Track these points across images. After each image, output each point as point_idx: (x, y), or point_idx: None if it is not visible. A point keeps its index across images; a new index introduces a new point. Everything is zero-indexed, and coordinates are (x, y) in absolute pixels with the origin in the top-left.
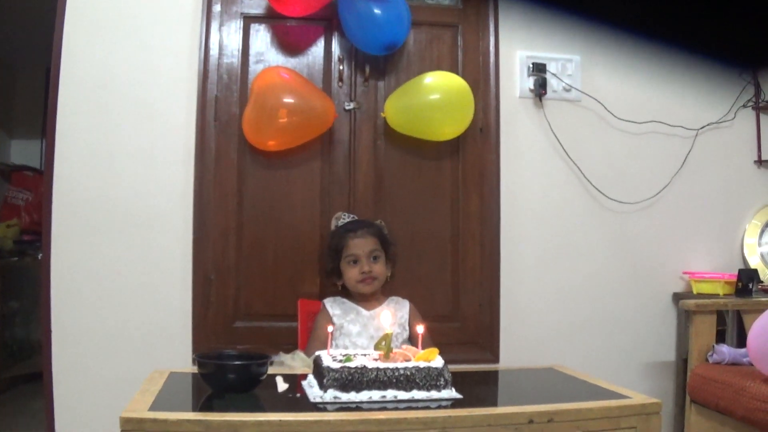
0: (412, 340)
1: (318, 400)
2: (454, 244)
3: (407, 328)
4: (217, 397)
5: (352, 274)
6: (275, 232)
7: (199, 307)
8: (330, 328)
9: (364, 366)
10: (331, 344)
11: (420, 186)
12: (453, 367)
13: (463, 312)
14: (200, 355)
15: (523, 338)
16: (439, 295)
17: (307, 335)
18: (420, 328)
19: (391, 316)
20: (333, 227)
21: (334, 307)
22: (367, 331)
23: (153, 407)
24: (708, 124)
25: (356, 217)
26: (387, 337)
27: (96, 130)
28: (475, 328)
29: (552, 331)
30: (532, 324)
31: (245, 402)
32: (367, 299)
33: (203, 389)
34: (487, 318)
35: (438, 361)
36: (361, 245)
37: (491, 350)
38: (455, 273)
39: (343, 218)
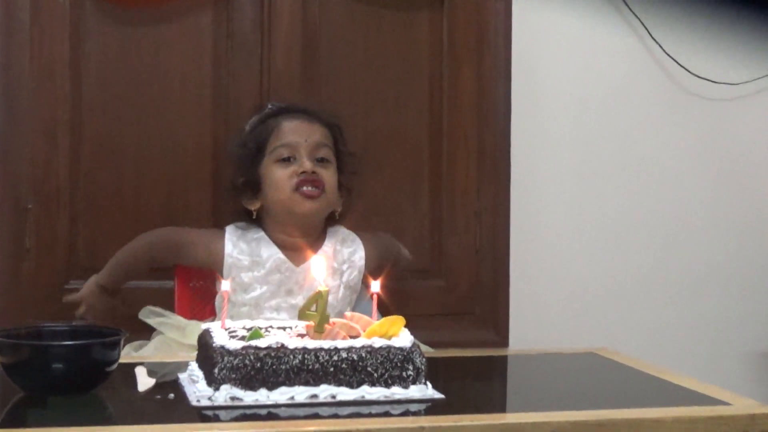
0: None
1: (205, 403)
2: (435, 150)
3: (358, 285)
4: (33, 404)
5: (281, 177)
6: (136, 132)
7: (7, 257)
8: (225, 285)
9: (282, 346)
10: (227, 312)
11: (379, 55)
12: (431, 352)
13: (448, 262)
14: (4, 333)
15: (546, 305)
16: (409, 234)
17: (189, 303)
18: (374, 286)
19: (330, 269)
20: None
21: (237, 241)
22: (286, 290)
23: None
24: None
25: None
26: (320, 299)
27: None
28: (469, 288)
29: (593, 297)
30: (560, 284)
31: (81, 411)
32: (294, 238)
33: (10, 391)
34: (489, 272)
35: (404, 338)
36: (301, 130)
37: (495, 325)
38: (436, 198)
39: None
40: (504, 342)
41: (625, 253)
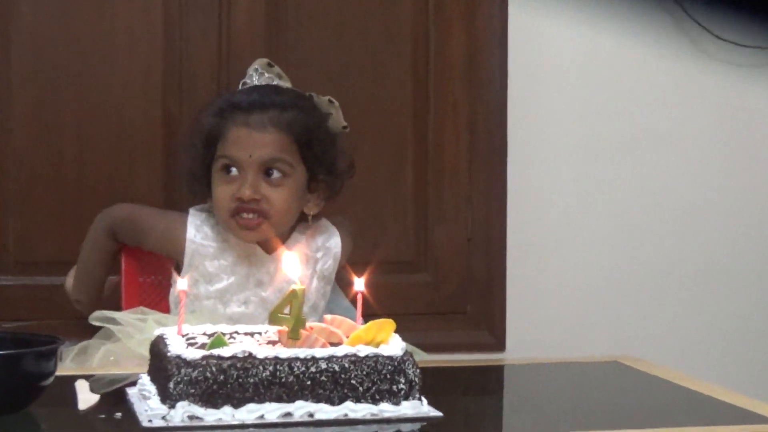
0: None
1: (158, 423)
2: (420, 126)
3: (332, 276)
4: None
5: (221, 195)
6: (75, 105)
7: None
8: (181, 283)
9: (250, 355)
10: (183, 313)
11: (355, 15)
12: (425, 359)
13: (436, 254)
14: None
15: (549, 303)
16: (390, 222)
17: (138, 300)
18: (358, 284)
19: (302, 257)
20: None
21: (201, 225)
22: (256, 281)
23: None
24: None
25: (280, 80)
26: (295, 299)
27: None
28: (460, 283)
29: (602, 293)
30: (564, 279)
31: None
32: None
33: None
34: (482, 265)
35: (394, 345)
36: (247, 143)
37: (489, 325)
38: (421, 180)
39: (256, 76)
40: (500, 345)
41: (639, 242)
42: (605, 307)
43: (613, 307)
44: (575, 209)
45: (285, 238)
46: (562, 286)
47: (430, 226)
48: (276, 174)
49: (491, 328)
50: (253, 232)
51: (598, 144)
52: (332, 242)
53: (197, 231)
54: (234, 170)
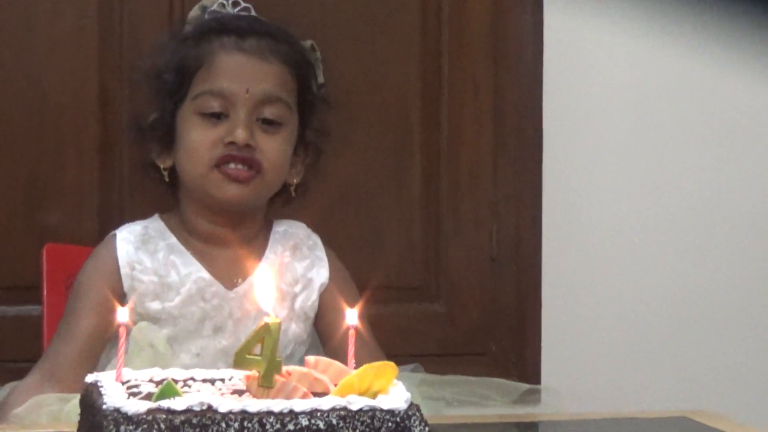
0: (329, 340)
1: None
2: (430, 110)
3: (319, 310)
4: None
5: (201, 141)
6: None
7: None
8: (121, 314)
9: (210, 408)
10: (124, 354)
11: None
12: (434, 418)
13: (451, 277)
14: None
15: (595, 341)
16: (392, 236)
17: (63, 305)
18: (351, 317)
19: (277, 275)
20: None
21: (137, 250)
22: (213, 326)
23: None
24: None
25: (250, 10)
26: (268, 336)
27: None
28: (482, 315)
29: (666, 328)
30: (614, 310)
31: None
32: (223, 229)
33: None
34: (511, 292)
35: (397, 396)
36: (245, 73)
37: (520, 369)
38: (431, 182)
39: (228, 4)
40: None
41: (708, 264)
42: (666, 348)
43: (677, 347)
44: (630, 221)
45: (254, 256)
46: (612, 319)
47: (443, 241)
48: (273, 118)
49: (522, 374)
50: (243, 187)
51: (660, 136)
52: (317, 271)
53: (131, 261)
54: (219, 113)
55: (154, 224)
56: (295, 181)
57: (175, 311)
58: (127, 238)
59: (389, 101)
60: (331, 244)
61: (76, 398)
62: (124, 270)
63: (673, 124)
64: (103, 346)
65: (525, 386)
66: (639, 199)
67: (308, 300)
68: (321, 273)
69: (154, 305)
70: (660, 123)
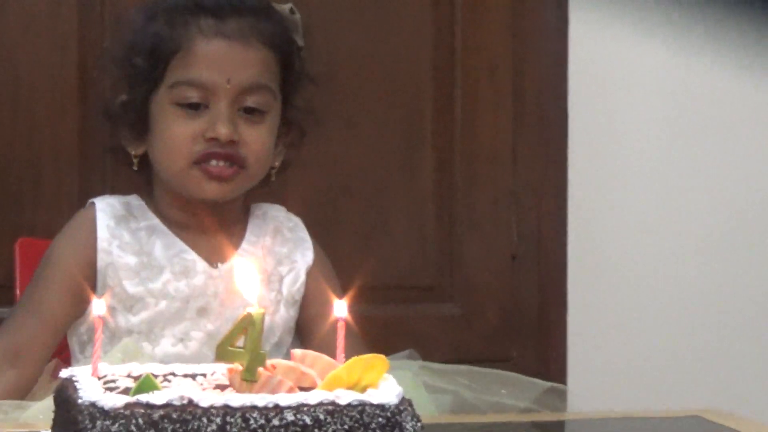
0: (313, 334)
1: None
2: (443, 91)
3: (302, 299)
4: None
5: (180, 135)
6: None
7: None
8: (97, 306)
9: (190, 402)
10: (100, 344)
11: None
12: (446, 417)
13: (467, 275)
14: None
15: (623, 346)
16: (402, 232)
17: None
18: (339, 309)
19: (261, 272)
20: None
21: (116, 226)
22: (198, 307)
23: None
24: None
25: None
26: (252, 327)
27: None
28: (502, 318)
29: (691, 330)
30: (643, 312)
31: None
32: (199, 217)
33: None
34: (532, 292)
35: (387, 390)
36: (226, 61)
37: (544, 377)
38: (445, 170)
39: None
40: (562, 402)
41: (739, 260)
42: (695, 349)
43: (706, 348)
44: (663, 212)
45: (233, 238)
46: (645, 320)
47: (458, 236)
48: (256, 106)
49: (548, 379)
50: (225, 185)
51: (695, 120)
52: (302, 254)
53: (112, 236)
54: (198, 104)
55: (136, 202)
56: (276, 164)
57: (156, 291)
58: (106, 210)
59: (397, 82)
60: (333, 239)
61: (34, 405)
62: (102, 244)
63: (709, 109)
64: (68, 326)
65: (545, 384)
66: (672, 188)
67: (295, 282)
68: (306, 254)
69: (133, 285)
70: (696, 107)
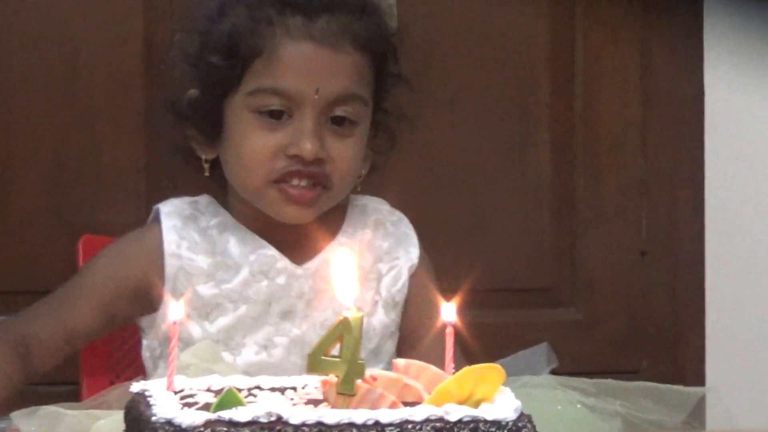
0: (415, 340)
1: None
2: (560, 64)
3: (404, 302)
4: None
5: (259, 147)
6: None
7: None
8: (174, 309)
9: (279, 420)
10: (176, 353)
11: None
12: None
13: (589, 276)
14: None
15: (766, 351)
16: (514, 228)
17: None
18: (448, 312)
19: (357, 254)
20: None
21: (183, 227)
22: (281, 311)
23: None
24: None
25: None
26: (348, 333)
27: None
28: (629, 324)
29: None
30: None
31: None
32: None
33: None
34: (665, 294)
35: (504, 404)
36: (315, 69)
37: (678, 383)
38: (562, 158)
39: None
40: (698, 419)
41: None
42: None
43: None
44: None
45: (328, 235)
46: None
47: (579, 231)
48: (346, 116)
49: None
50: (305, 210)
51: None
52: (405, 250)
53: (180, 237)
54: (281, 112)
55: (204, 200)
56: (363, 172)
57: (234, 294)
58: (172, 212)
59: (507, 54)
60: (434, 237)
61: (109, 416)
62: (170, 247)
63: None
64: (89, 339)
65: (698, 391)
66: None
67: (396, 282)
68: (410, 252)
69: (207, 288)
70: None
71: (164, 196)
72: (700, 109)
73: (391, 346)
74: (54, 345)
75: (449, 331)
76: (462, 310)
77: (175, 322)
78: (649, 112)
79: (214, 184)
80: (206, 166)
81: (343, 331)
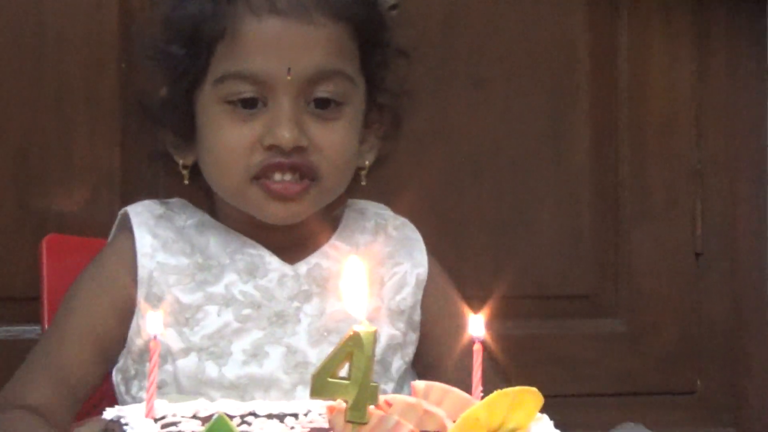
0: (434, 359)
1: None
2: (601, 45)
3: (419, 315)
4: None
5: (232, 141)
6: None
7: None
8: (152, 322)
9: None
10: (156, 374)
11: None
12: None
13: (636, 281)
14: None
15: None
16: (549, 226)
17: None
18: (476, 327)
19: (365, 266)
20: None
21: (155, 226)
22: (273, 314)
23: None
24: None
25: None
26: (358, 350)
27: None
28: (683, 337)
29: None
30: None
31: None
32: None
33: None
34: (724, 303)
35: None
36: (285, 45)
37: (740, 416)
38: (604, 145)
39: None
40: None
41: None
42: None
43: None
44: None
45: (327, 223)
46: None
47: (624, 230)
48: (330, 96)
49: (741, 420)
50: (293, 206)
51: None
52: (411, 257)
53: (153, 236)
54: (255, 99)
55: (177, 201)
56: (366, 163)
57: (217, 297)
58: (142, 212)
59: (541, 26)
60: (458, 236)
61: None
62: (143, 248)
63: None
64: (94, 383)
65: None
66: None
67: (400, 290)
68: (416, 257)
69: (187, 292)
70: None
71: (143, 192)
72: (762, 88)
73: (399, 361)
74: (63, 407)
75: (477, 348)
76: (489, 321)
77: (155, 337)
78: (704, 90)
79: (200, 188)
80: (185, 172)
81: (353, 349)
